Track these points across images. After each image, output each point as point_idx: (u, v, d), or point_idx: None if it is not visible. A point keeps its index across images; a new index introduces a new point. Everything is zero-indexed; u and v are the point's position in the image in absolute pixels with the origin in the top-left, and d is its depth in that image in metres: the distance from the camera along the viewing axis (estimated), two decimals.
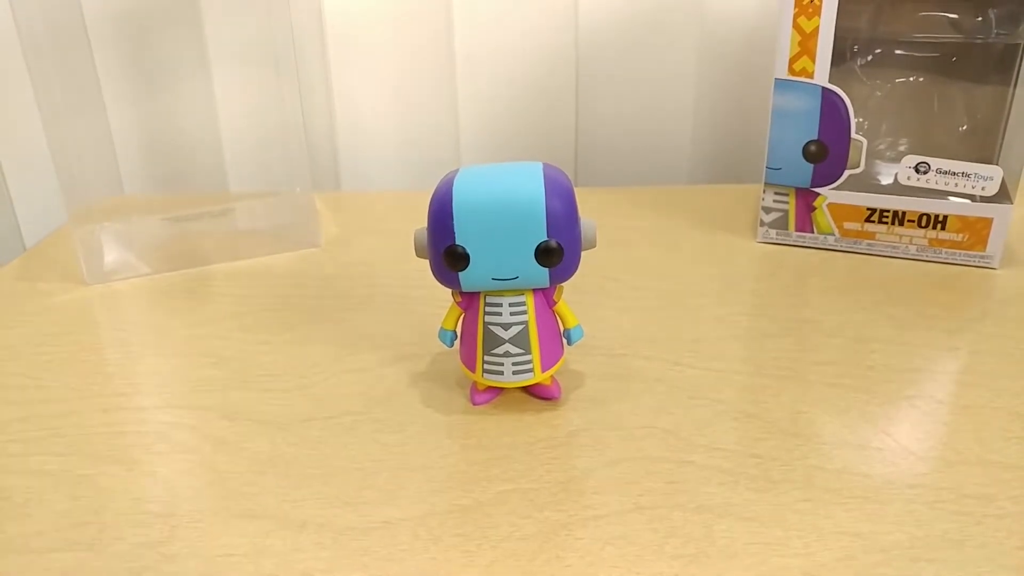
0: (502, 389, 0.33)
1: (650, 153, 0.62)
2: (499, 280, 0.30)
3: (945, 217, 0.44)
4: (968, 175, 0.43)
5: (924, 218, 0.44)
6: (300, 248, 0.49)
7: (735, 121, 0.61)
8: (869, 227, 0.45)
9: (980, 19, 0.43)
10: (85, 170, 0.46)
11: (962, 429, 0.31)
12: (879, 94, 0.47)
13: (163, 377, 0.36)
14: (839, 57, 0.43)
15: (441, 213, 0.29)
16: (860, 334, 0.38)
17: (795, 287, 0.43)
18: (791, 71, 0.43)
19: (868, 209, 0.45)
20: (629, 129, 0.61)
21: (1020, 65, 0.42)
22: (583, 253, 0.30)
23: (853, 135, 0.44)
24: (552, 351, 0.32)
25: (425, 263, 0.30)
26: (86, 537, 0.27)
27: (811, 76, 0.43)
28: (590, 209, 0.31)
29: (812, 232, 0.47)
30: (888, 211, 0.45)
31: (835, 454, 0.30)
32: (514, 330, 0.31)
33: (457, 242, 0.29)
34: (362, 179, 0.63)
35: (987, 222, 0.43)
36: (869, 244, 0.46)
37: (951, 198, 0.44)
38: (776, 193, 0.47)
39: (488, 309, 0.31)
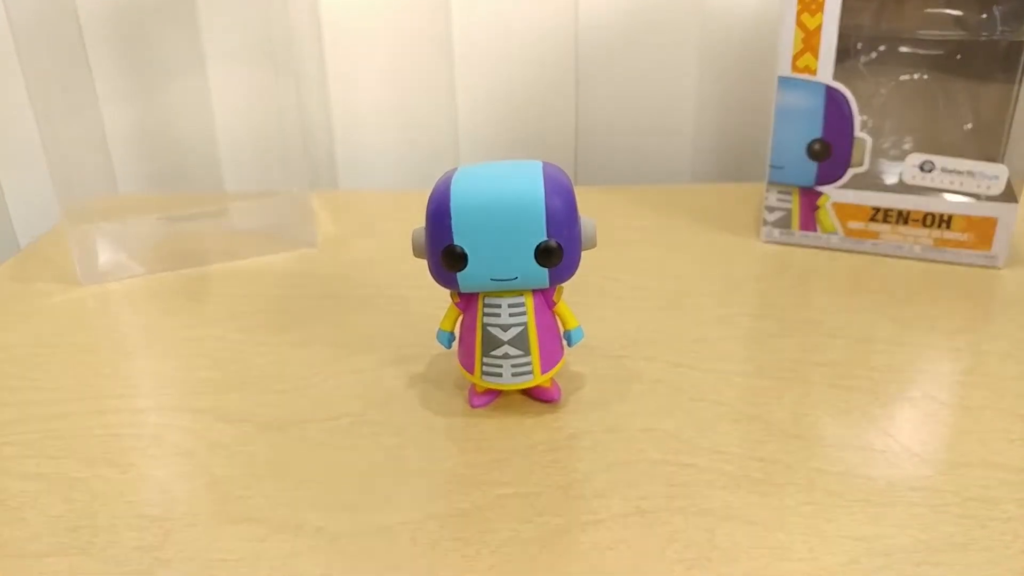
0: (501, 391, 0.33)
1: (651, 152, 0.61)
2: (498, 280, 0.29)
3: (950, 216, 0.43)
4: (973, 174, 0.43)
5: (929, 217, 0.44)
6: (297, 248, 0.49)
7: (737, 119, 0.61)
8: (873, 226, 0.45)
9: (985, 16, 0.43)
10: (79, 169, 0.46)
11: (966, 431, 0.31)
12: (883, 92, 0.47)
13: (158, 379, 0.36)
14: (843, 54, 0.42)
15: (439, 213, 0.28)
16: (863, 335, 0.37)
17: (798, 287, 0.42)
18: (794, 68, 0.43)
19: (872, 208, 0.45)
20: (630, 128, 0.61)
21: None
22: (583, 253, 0.30)
23: (857, 133, 0.43)
24: (552, 353, 0.31)
25: (423, 263, 0.30)
26: (80, 541, 0.27)
27: (814, 74, 0.43)
28: (590, 208, 0.31)
29: (816, 231, 0.46)
30: (892, 210, 0.44)
31: (838, 456, 0.29)
32: (513, 331, 0.30)
33: (455, 242, 0.29)
34: (359, 179, 0.62)
35: (992, 221, 0.43)
36: (873, 243, 0.45)
37: (956, 197, 0.43)
38: (779, 192, 0.46)
39: (487, 310, 0.30)
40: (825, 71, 0.42)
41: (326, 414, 0.33)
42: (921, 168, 0.44)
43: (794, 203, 0.46)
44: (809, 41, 0.42)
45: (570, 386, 0.34)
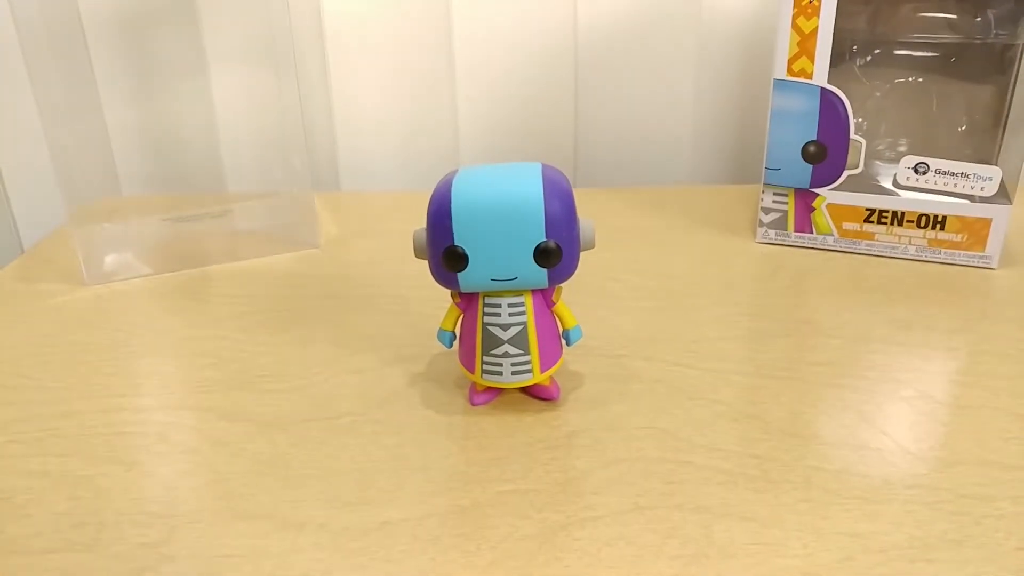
0: (501, 390, 0.33)
1: (649, 154, 0.62)
2: (498, 281, 0.30)
3: (944, 217, 0.44)
4: (967, 175, 0.43)
5: (923, 218, 0.44)
6: (299, 249, 0.49)
7: (734, 122, 0.61)
8: (868, 227, 0.45)
9: (979, 19, 0.43)
10: (84, 171, 0.46)
11: (961, 429, 0.31)
12: (878, 94, 0.47)
13: (162, 378, 0.36)
14: (838, 57, 0.43)
15: (440, 214, 0.29)
16: (859, 334, 0.38)
17: (794, 288, 0.43)
18: (790, 71, 0.43)
19: (867, 209, 0.45)
20: (628, 130, 0.61)
21: (1019, 65, 0.42)
22: (582, 254, 0.30)
23: (852, 136, 0.44)
24: (551, 352, 0.32)
25: (424, 264, 0.30)
26: (85, 538, 0.27)
27: (810, 76, 0.43)
28: (589, 210, 0.31)
29: (811, 233, 0.47)
30: (887, 211, 0.45)
31: (834, 455, 0.30)
32: (513, 331, 0.31)
33: (456, 243, 0.29)
34: (361, 180, 0.63)
35: (986, 222, 0.43)
36: (868, 244, 0.46)
37: (950, 199, 0.44)
38: (775, 194, 0.47)
39: (487, 310, 0.31)
40: (820, 74, 0.43)
41: (328, 413, 0.33)
42: (916, 170, 0.44)
43: (790, 205, 0.46)
44: (805, 44, 0.42)
45: (569, 385, 0.34)
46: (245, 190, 0.57)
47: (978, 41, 0.43)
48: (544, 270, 0.29)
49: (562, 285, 0.32)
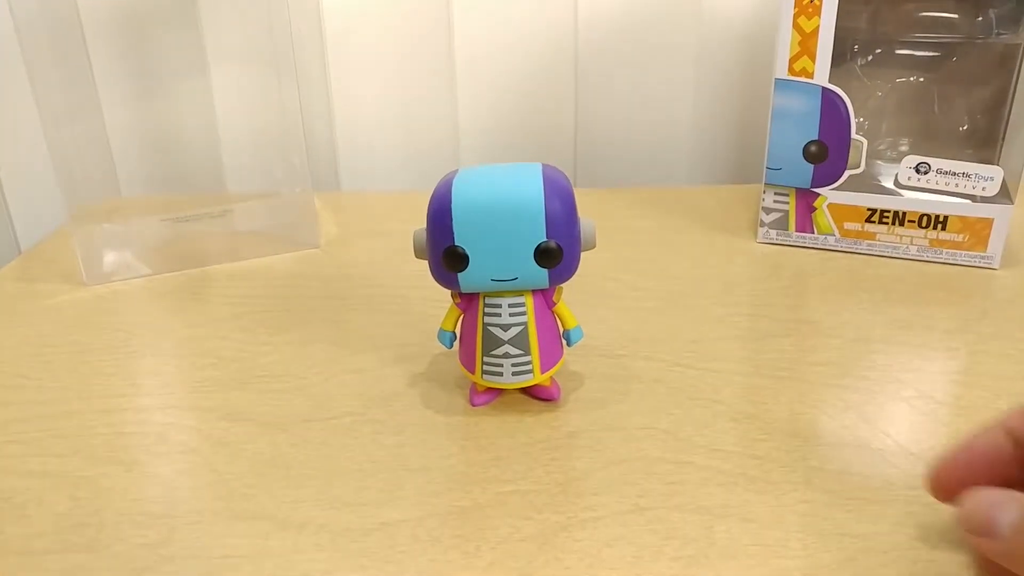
0: (501, 390, 0.33)
1: (650, 153, 0.62)
2: (498, 281, 0.30)
3: (945, 217, 0.44)
4: (968, 175, 0.43)
5: (924, 218, 0.44)
6: (299, 249, 0.49)
7: (735, 121, 0.61)
8: (869, 227, 0.45)
9: (980, 19, 0.43)
10: (84, 171, 0.46)
11: (962, 430, 0.31)
12: (879, 94, 0.47)
13: (162, 378, 0.36)
14: (839, 57, 0.43)
15: (440, 214, 0.29)
16: (860, 335, 0.38)
17: (795, 288, 0.43)
18: (791, 71, 0.43)
19: (868, 209, 0.45)
20: (628, 129, 0.61)
21: (1020, 65, 0.42)
22: (582, 254, 0.30)
23: (853, 135, 0.44)
24: (551, 352, 0.32)
25: (424, 264, 0.30)
26: (85, 538, 0.27)
27: (811, 76, 0.43)
28: (589, 210, 0.31)
29: (812, 232, 0.47)
30: (888, 211, 0.45)
31: (834, 455, 0.30)
32: (513, 331, 0.31)
33: (456, 243, 0.29)
34: (361, 179, 0.63)
35: (988, 222, 0.43)
36: (869, 244, 0.46)
37: (952, 198, 0.44)
38: (776, 193, 0.47)
39: (487, 310, 0.31)
40: (821, 74, 0.43)
41: (328, 413, 0.33)
42: (917, 170, 0.44)
43: (791, 204, 0.46)
44: (806, 44, 0.42)
45: (569, 385, 0.34)
46: (245, 190, 0.57)
47: (980, 41, 0.43)
48: (545, 270, 0.29)
49: (563, 285, 0.32)
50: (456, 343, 0.33)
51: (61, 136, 0.43)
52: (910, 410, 0.32)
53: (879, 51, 0.46)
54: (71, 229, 0.45)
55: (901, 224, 0.45)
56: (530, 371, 0.31)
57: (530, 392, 0.33)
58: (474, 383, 0.33)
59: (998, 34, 0.43)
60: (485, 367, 0.31)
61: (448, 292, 0.31)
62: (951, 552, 0.25)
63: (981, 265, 0.44)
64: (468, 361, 0.32)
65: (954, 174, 0.43)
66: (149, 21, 0.55)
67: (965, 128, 0.46)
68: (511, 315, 0.31)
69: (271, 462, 0.30)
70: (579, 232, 0.30)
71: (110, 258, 0.47)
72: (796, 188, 0.46)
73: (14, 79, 0.55)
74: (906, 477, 0.28)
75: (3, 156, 0.58)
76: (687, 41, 0.58)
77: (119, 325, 0.42)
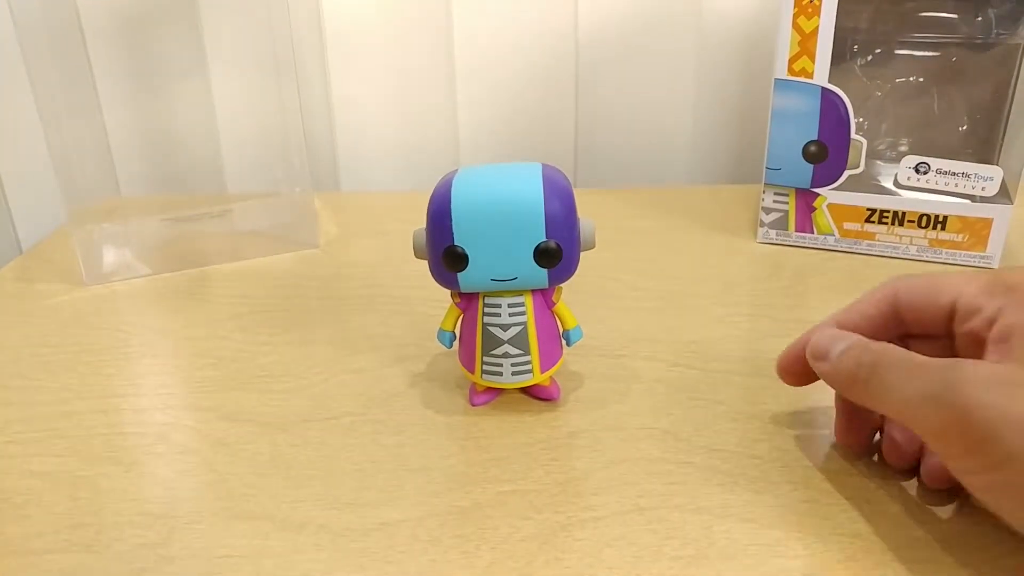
0: (501, 390, 0.33)
1: (649, 154, 0.62)
2: (498, 281, 0.30)
3: (945, 217, 0.44)
4: (968, 175, 0.43)
5: (924, 218, 0.44)
6: (299, 249, 0.49)
7: (735, 121, 0.61)
8: (869, 227, 0.45)
9: (980, 19, 0.43)
10: (84, 171, 0.46)
11: None
12: (879, 94, 0.47)
13: (162, 378, 0.36)
14: (839, 57, 0.43)
15: (440, 214, 0.29)
16: None
17: (795, 288, 0.43)
18: (791, 71, 0.43)
19: (868, 209, 0.45)
20: (628, 130, 0.61)
21: (1020, 65, 0.42)
22: (582, 254, 0.30)
23: (853, 135, 0.44)
24: (551, 352, 0.32)
25: (424, 264, 0.30)
26: (85, 538, 0.27)
27: (811, 76, 0.43)
28: (589, 210, 0.31)
29: (812, 232, 0.47)
30: (888, 211, 0.45)
31: (834, 455, 0.30)
32: (513, 331, 0.31)
33: (456, 243, 0.29)
34: (361, 179, 0.63)
35: (987, 222, 0.43)
36: (869, 244, 0.46)
37: (951, 198, 0.44)
38: (776, 193, 0.47)
39: (487, 310, 0.31)
40: (821, 74, 0.43)
41: (328, 413, 0.33)
42: (916, 170, 0.44)
43: (791, 204, 0.46)
44: (805, 44, 0.42)
45: (569, 385, 0.34)
46: (245, 190, 0.57)
47: (979, 41, 0.43)
48: (544, 270, 0.29)
49: (562, 285, 0.32)
50: (456, 343, 0.33)
51: (61, 136, 0.43)
52: None
53: (879, 51, 0.46)
54: (71, 229, 0.45)
55: (901, 224, 0.45)
56: (530, 371, 0.31)
57: (530, 392, 0.33)
58: (474, 383, 0.33)
59: (997, 34, 0.43)
60: (485, 367, 0.31)
61: (448, 292, 0.31)
62: (951, 552, 0.25)
63: (981, 265, 0.44)
64: (468, 361, 0.32)
65: (954, 174, 0.43)
66: (149, 21, 0.55)
67: (965, 128, 0.46)
68: (511, 315, 0.31)
69: (271, 462, 0.30)
70: (579, 232, 0.30)
71: (110, 258, 0.47)
72: (796, 188, 0.46)
73: (14, 79, 0.55)
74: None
75: (3, 156, 0.58)
76: (687, 41, 0.58)
77: (119, 325, 0.42)
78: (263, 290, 0.45)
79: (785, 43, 0.43)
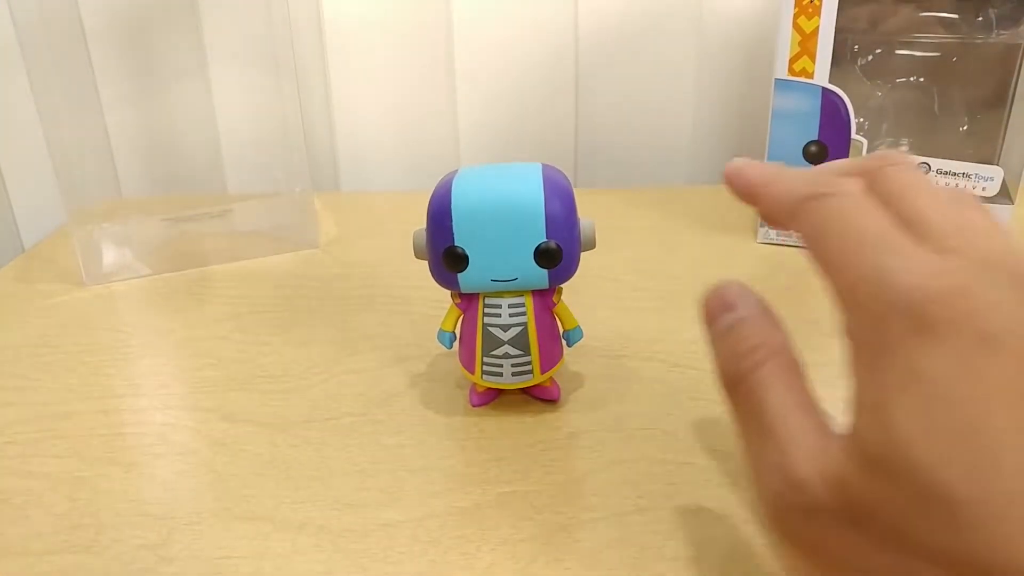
0: (501, 390, 0.33)
1: (650, 154, 0.62)
2: (498, 281, 0.30)
3: None
4: (969, 175, 0.43)
5: None
6: (299, 249, 0.49)
7: (735, 122, 0.61)
8: None
9: (980, 19, 0.43)
10: (84, 172, 0.46)
11: None
12: (879, 94, 0.47)
13: (162, 378, 0.36)
14: (839, 57, 0.43)
15: (440, 214, 0.29)
16: None
17: (795, 288, 0.43)
18: (791, 71, 0.43)
19: None
20: (629, 130, 0.61)
21: (1020, 65, 0.42)
22: (583, 254, 0.30)
23: (853, 136, 0.44)
24: (551, 352, 0.32)
25: (424, 264, 0.30)
26: (84, 539, 0.27)
27: (811, 76, 0.43)
28: (589, 210, 0.31)
29: None
30: None
31: None
32: (513, 331, 0.31)
33: (456, 243, 0.29)
34: (361, 180, 0.63)
35: None
36: None
37: None
38: None
39: (487, 310, 0.31)
40: (821, 74, 0.43)
41: (328, 413, 0.33)
42: None
43: None
44: (806, 44, 0.42)
45: (570, 385, 0.34)
46: (245, 190, 0.57)
47: (979, 41, 0.43)
48: (544, 271, 0.29)
49: (563, 286, 0.32)
50: (456, 343, 0.33)
51: (61, 136, 0.43)
52: None
53: (879, 51, 0.46)
54: (71, 229, 0.45)
55: None
56: (530, 371, 0.31)
57: (530, 392, 0.33)
58: (474, 383, 0.33)
59: (998, 34, 0.43)
60: (485, 367, 0.31)
61: (448, 292, 0.31)
62: None
63: None
64: (468, 361, 0.32)
65: (954, 174, 0.43)
66: (149, 22, 0.55)
67: (965, 128, 0.46)
68: (511, 315, 0.31)
69: (271, 463, 0.30)
70: (579, 232, 0.30)
71: (110, 258, 0.47)
72: None
73: (14, 79, 0.55)
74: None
75: (6, 156, 0.58)
76: (687, 41, 0.58)
77: (119, 325, 0.42)
78: (263, 290, 0.44)
79: (785, 43, 0.43)
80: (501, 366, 0.31)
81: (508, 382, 0.31)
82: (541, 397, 0.33)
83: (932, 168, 0.43)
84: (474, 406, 0.33)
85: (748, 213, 0.52)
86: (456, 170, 0.30)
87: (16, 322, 0.42)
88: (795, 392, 0.20)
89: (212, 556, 0.26)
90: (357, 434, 0.32)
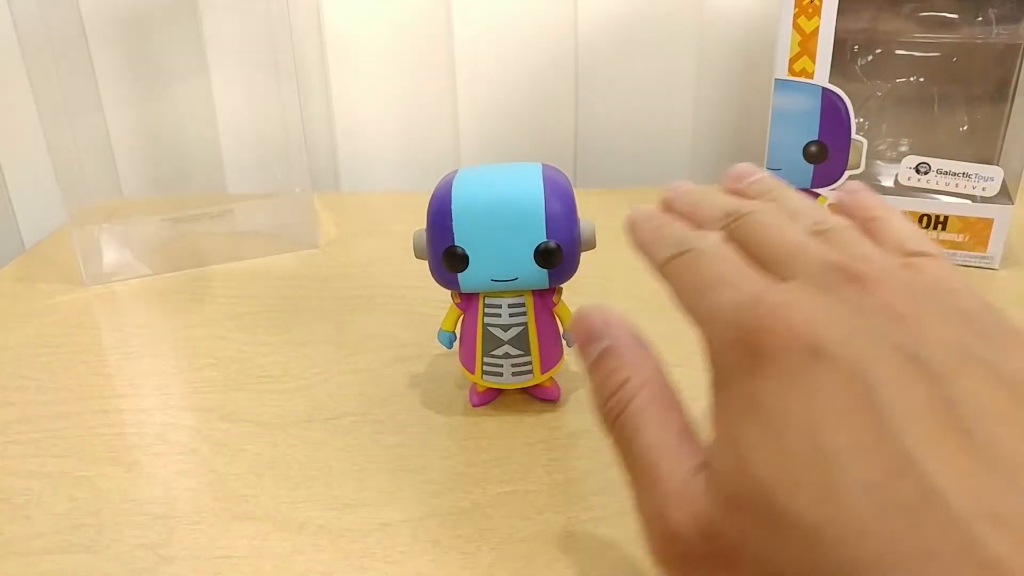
0: (501, 390, 0.33)
1: (650, 154, 0.62)
2: (498, 281, 0.30)
3: (946, 218, 0.44)
4: (969, 175, 0.43)
5: (924, 219, 0.44)
6: (299, 249, 0.49)
7: (735, 122, 0.61)
8: None
9: (980, 19, 0.43)
10: (84, 171, 0.46)
11: None
12: (879, 94, 0.47)
13: (162, 378, 0.36)
14: (839, 57, 0.43)
15: (440, 214, 0.29)
16: None
17: None
18: (791, 71, 0.43)
19: None
20: (629, 130, 0.61)
21: (1020, 65, 0.42)
22: (583, 254, 0.30)
23: (853, 136, 0.44)
24: (551, 352, 0.32)
25: (424, 264, 0.30)
26: (85, 539, 0.27)
27: (811, 76, 0.43)
28: (590, 210, 0.31)
29: None
30: None
31: None
32: (513, 331, 0.31)
33: (456, 243, 0.29)
34: (361, 180, 0.63)
35: (988, 222, 0.43)
36: None
37: (952, 199, 0.44)
38: None
39: (487, 310, 0.31)
40: (821, 74, 0.43)
41: (328, 413, 0.33)
42: (917, 170, 0.44)
43: None
44: (806, 44, 0.42)
45: (570, 385, 0.34)
46: (245, 190, 0.57)
47: (979, 41, 0.43)
48: (545, 271, 0.29)
49: (563, 286, 0.31)
50: (456, 343, 0.33)
51: (61, 136, 0.43)
52: None
53: (879, 51, 0.46)
54: (71, 229, 0.45)
55: None
56: (530, 371, 0.31)
57: (530, 392, 0.33)
58: (474, 383, 0.33)
59: (998, 34, 0.43)
60: (485, 367, 0.31)
61: (448, 292, 0.31)
62: None
63: (981, 265, 0.44)
64: (468, 361, 0.32)
65: (954, 174, 0.43)
66: (149, 21, 0.55)
67: (965, 128, 0.46)
68: (511, 315, 0.31)
69: (271, 462, 0.30)
70: (579, 232, 0.30)
71: (110, 258, 0.47)
72: (796, 188, 0.46)
73: (14, 79, 0.55)
74: None
75: (7, 155, 0.58)
76: (687, 41, 0.58)
77: (119, 325, 0.42)
78: (263, 290, 0.44)
79: (785, 43, 0.43)
80: (501, 366, 0.31)
81: (508, 382, 0.31)
82: (541, 397, 0.33)
83: (932, 168, 0.43)
84: (474, 406, 0.33)
85: None
86: (456, 170, 0.30)
87: (17, 322, 0.42)
88: (667, 426, 0.20)
89: (212, 556, 0.26)
90: (357, 434, 0.32)
